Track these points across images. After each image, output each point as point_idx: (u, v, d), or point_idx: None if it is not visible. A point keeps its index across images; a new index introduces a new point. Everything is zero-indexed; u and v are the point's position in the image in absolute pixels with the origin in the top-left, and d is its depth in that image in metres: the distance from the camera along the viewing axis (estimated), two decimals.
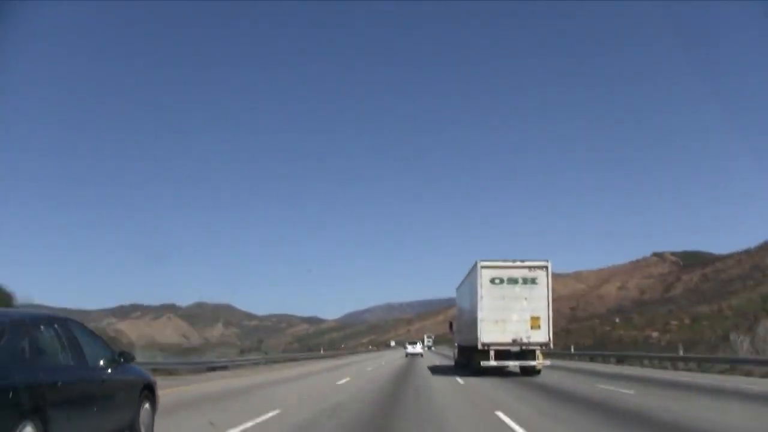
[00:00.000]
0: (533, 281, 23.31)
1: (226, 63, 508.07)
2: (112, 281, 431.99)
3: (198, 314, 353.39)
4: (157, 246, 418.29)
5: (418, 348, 65.81)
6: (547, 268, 23.51)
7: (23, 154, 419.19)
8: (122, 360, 7.41)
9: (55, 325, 6.35)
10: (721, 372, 28.02)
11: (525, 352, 23.45)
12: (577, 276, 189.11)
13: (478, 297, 23.36)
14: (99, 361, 6.90)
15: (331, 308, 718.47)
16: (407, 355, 61.93)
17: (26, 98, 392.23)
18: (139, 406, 7.76)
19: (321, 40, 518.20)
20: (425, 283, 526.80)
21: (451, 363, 38.80)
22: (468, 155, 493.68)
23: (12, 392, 4.95)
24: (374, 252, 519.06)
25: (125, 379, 7.46)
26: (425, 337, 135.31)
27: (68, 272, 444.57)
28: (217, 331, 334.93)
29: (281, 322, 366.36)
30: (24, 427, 5.03)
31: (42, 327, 6.11)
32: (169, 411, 11.15)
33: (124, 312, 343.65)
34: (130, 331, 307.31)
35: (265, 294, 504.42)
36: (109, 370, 6.98)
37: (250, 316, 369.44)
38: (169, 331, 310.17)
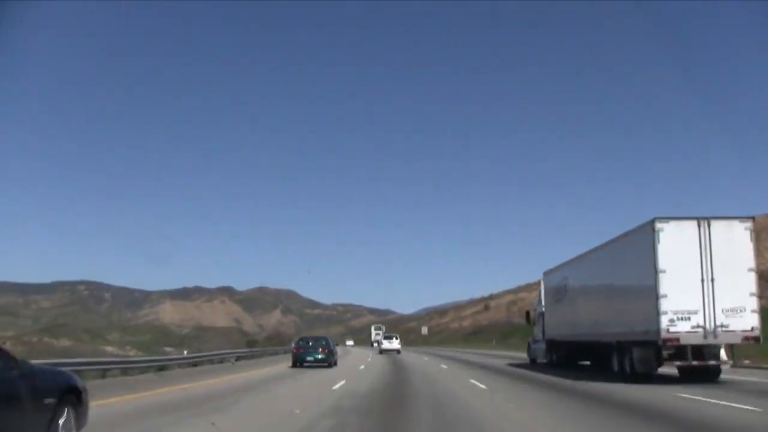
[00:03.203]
0: None
1: (228, 60, 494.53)
2: (183, 265, 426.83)
3: (257, 299, 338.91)
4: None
5: (395, 343, 59.36)
6: None
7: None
8: (332, 345, 34.27)
9: (329, 337, 37.95)
10: None
11: None
12: None
13: None
14: (331, 344, 34.14)
15: (410, 302, 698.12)
16: (381, 351, 57.75)
17: (26, 97, 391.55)
18: (335, 354, 34.61)
19: (328, 37, 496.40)
20: (510, 274, 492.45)
21: None
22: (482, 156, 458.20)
23: (334, 351, 33.90)
24: (464, 246, 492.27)
25: (334, 348, 34.19)
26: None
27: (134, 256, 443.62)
28: (273, 318, 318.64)
29: (346, 313, 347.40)
30: (331, 357, 32.09)
31: (328, 339, 34.99)
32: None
33: (185, 294, 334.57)
34: (175, 313, 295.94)
35: (339, 284, 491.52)
36: (331, 346, 33.28)
37: (313, 304, 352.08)
38: (218, 315, 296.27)
